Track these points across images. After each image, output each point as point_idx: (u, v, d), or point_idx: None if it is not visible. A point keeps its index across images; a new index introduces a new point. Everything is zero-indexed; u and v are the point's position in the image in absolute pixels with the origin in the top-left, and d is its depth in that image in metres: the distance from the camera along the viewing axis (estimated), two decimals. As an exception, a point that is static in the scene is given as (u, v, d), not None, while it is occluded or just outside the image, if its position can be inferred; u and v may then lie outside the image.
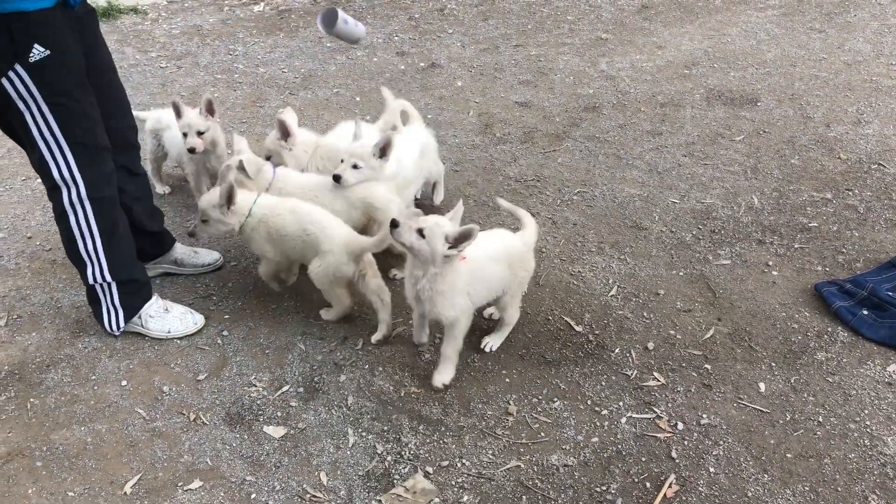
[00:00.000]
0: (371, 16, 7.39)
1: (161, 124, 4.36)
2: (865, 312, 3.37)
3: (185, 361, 3.32)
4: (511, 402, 3.04)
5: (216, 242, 4.05)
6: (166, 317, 3.46)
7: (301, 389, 3.15)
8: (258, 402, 3.10)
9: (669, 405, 3.02)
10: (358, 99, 5.63)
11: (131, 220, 3.44)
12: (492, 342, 3.34)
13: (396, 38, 6.72)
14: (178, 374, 3.25)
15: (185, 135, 3.99)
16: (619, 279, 3.72)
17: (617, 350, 3.30)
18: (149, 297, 3.46)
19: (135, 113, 3.68)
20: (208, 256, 3.90)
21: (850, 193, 4.28)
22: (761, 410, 2.97)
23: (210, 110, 4.01)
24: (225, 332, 3.46)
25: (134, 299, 3.42)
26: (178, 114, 3.96)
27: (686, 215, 4.18)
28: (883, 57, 5.93)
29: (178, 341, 3.42)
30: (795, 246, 3.90)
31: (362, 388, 3.15)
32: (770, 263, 3.78)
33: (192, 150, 3.99)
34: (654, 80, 5.72)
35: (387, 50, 6.42)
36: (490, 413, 3.00)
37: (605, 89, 5.63)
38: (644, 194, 4.37)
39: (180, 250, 3.84)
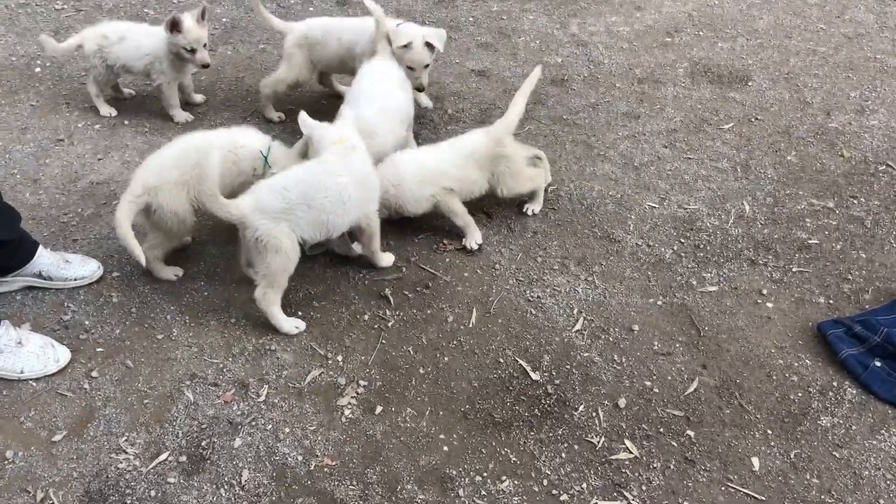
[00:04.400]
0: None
1: (109, 40, 4.03)
2: (878, 364, 2.89)
3: (39, 414, 2.70)
4: (449, 480, 2.50)
5: (96, 246, 3.38)
6: (19, 352, 2.82)
7: (183, 458, 2.56)
8: (127, 475, 2.50)
9: (644, 488, 2.51)
10: (286, 59, 4.90)
11: None
12: (533, 206, 3.66)
13: (338, -18, 5.95)
14: (29, 432, 2.64)
15: (192, 50, 3.89)
16: (585, 308, 3.18)
17: (581, 408, 2.77)
18: (-6, 327, 2.81)
19: (55, 43, 4.06)
20: (83, 267, 3.22)
21: (855, 202, 3.77)
22: (755, 497, 2.49)
23: (203, 19, 3.93)
24: (94, 373, 2.84)
25: (-27, 329, 2.77)
26: (179, 28, 3.83)
27: (666, 224, 3.63)
28: (888, 30, 5.38)
29: (34, 384, 2.79)
30: (793, 269, 3.39)
31: (262, 457, 2.57)
32: (764, 292, 3.27)
33: (205, 66, 3.97)
34: (631, 49, 5.10)
35: (325, -2, 5.66)
36: (422, 498, 2.45)
37: (576, 58, 4.99)
38: (618, 195, 3.80)
39: (46, 260, 3.15)
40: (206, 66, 3.97)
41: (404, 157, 3.43)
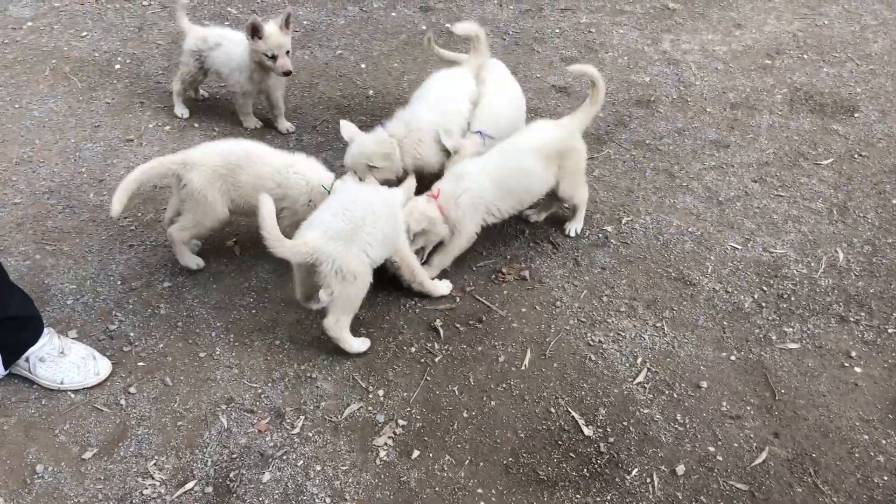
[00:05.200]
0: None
1: (208, 44, 4.07)
2: (980, 451, 2.56)
3: (74, 427, 2.68)
4: (480, 544, 2.34)
5: (151, 253, 3.36)
6: (61, 362, 2.80)
7: (209, 490, 2.49)
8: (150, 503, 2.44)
9: (696, 571, 2.28)
10: (363, 66, 4.82)
11: None
12: (575, 225, 3.53)
13: (425, -14, 5.84)
14: (61, 446, 2.62)
15: (273, 57, 3.81)
16: (650, 358, 2.95)
17: (635, 471, 2.56)
18: (38, 335, 2.80)
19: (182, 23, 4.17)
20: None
21: (969, 258, 3.41)
22: None
23: (288, 25, 3.83)
24: (132, 389, 2.80)
25: (18, 335, 2.76)
26: (259, 34, 3.75)
27: (748, 269, 3.36)
28: None
29: (72, 396, 2.77)
30: (889, 330, 3.07)
31: (289, 495, 2.47)
32: (853, 354, 2.97)
33: (287, 73, 3.87)
34: (726, 71, 4.79)
35: (409, 3, 5.55)
36: (450, 559, 2.30)
37: (666, 78, 4.72)
38: (698, 232, 3.55)
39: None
40: (287, 73, 3.87)
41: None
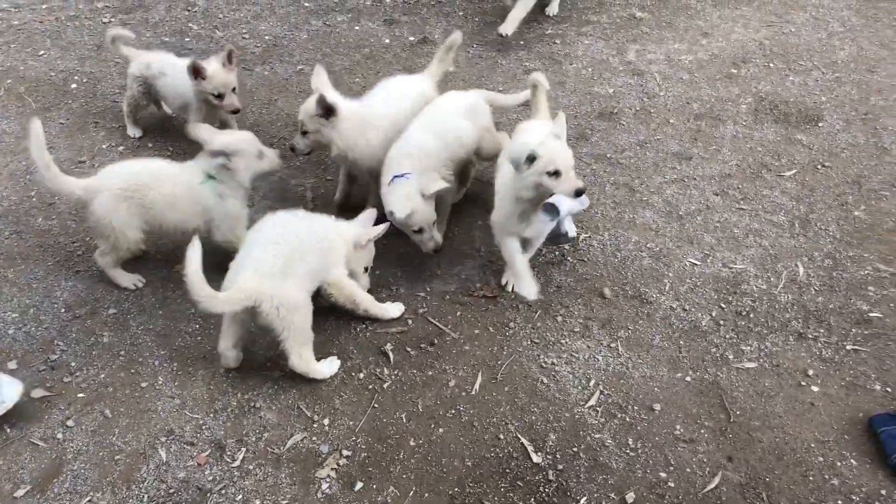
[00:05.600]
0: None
1: (152, 71, 3.97)
2: (936, 471, 2.52)
3: (7, 464, 2.62)
4: (420, 581, 2.28)
5: (98, 279, 3.29)
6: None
7: (144, 528, 2.41)
8: (81, 544, 2.37)
9: None
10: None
11: None
12: None
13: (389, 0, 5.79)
14: (-7, 483, 2.53)
15: (219, 95, 3.69)
16: (603, 380, 2.90)
17: (583, 500, 2.51)
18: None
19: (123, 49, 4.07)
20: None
21: (930, 269, 3.36)
22: None
23: (231, 61, 3.71)
24: (70, 422, 2.73)
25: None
26: (202, 74, 3.62)
27: (707, 285, 3.31)
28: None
29: (8, 430, 2.71)
30: (847, 346, 3.03)
31: (226, 533, 2.40)
32: (810, 373, 2.92)
33: (235, 111, 3.81)
34: (691, 81, 4.75)
35: (374, 16, 5.49)
36: None
37: (630, 89, 4.68)
38: (656, 248, 3.50)
39: None
40: (236, 111, 3.80)
41: None
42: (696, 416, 2.77)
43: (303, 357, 2.77)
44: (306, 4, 5.69)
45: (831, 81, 4.76)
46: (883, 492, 2.51)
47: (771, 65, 4.95)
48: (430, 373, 2.93)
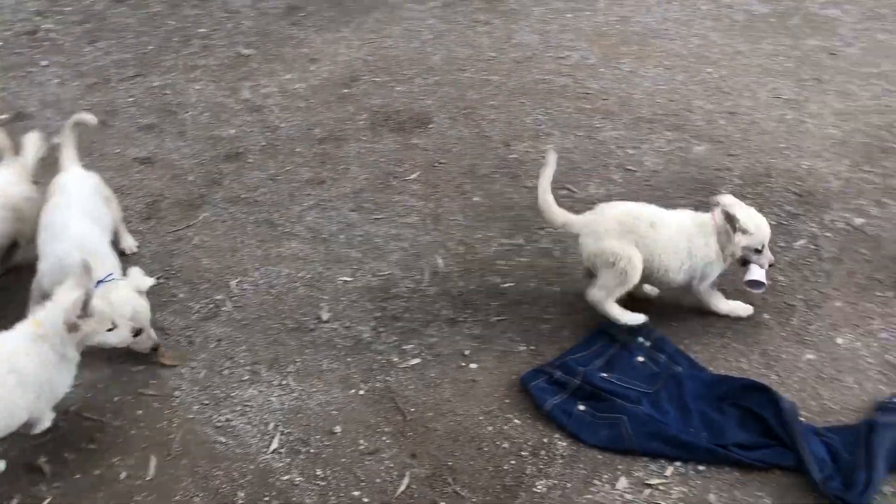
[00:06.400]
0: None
1: None
2: (582, 408, 2.88)
3: None
4: None
5: None
6: None
7: None
8: None
9: None
10: None
11: None
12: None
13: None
14: None
15: None
16: (282, 420, 2.90)
17: (283, 547, 2.47)
18: None
19: None
20: None
21: (542, 233, 3.83)
22: None
23: None
24: None
25: None
26: None
27: (362, 298, 3.45)
28: (551, 49, 5.65)
29: None
30: (492, 320, 3.34)
31: None
32: (466, 353, 3.18)
33: None
34: (308, 108, 4.92)
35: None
36: None
37: (251, 126, 4.72)
38: (308, 275, 3.58)
39: None
40: None
41: None
42: (375, 426, 2.88)
43: None
44: None
45: (432, 85, 5.22)
46: (545, 439, 2.81)
47: (378, 79, 5.29)
48: (97, 472, 2.71)
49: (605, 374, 2.99)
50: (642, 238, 3.07)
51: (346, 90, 5.15)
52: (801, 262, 3.52)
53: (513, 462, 2.74)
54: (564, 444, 2.80)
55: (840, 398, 2.89)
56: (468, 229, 3.88)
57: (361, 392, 3.02)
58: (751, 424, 2.77)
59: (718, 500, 2.56)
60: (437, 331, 3.30)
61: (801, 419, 2.77)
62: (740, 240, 3.02)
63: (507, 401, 2.98)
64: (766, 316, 3.25)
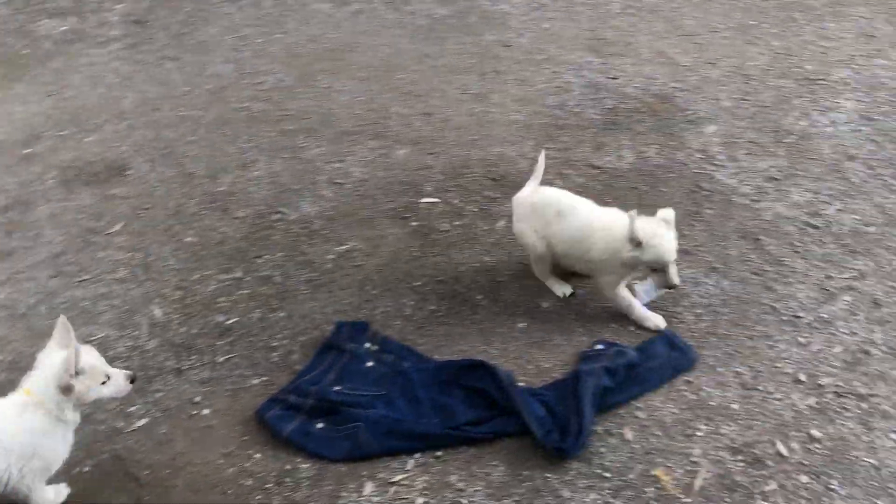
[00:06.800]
0: None
1: None
2: (320, 426, 2.90)
3: None
4: None
5: None
6: None
7: None
8: None
9: None
10: None
11: None
12: None
13: None
14: None
15: None
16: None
17: None
18: None
19: None
20: None
21: (261, 261, 3.81)
22: None
23: None
24: None
25: None
26: None
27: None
28: (247, 76, 5.62)
29: None
30: (220, 359, 3.27)
31: None
32: (197, 399, 3.09)
33: None
34: (-15, 176, 4.51)
35: None
36: None
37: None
38: (9, 358, 3.29)
39: None
40: None
41: None
42: (109, 500, 2.70)
43: None
44: None
45: (125, 129, 4.99)
46: (288, 466, 2.80)
47: (64, 132, 4.97)
48: None
49: (338, 388, 3.03)
50: (547, 224, 3.34)
51: (27, 150, 4.77)
52: (504, 241, 3.80)
53: (259, 497, 2.71)
54: (307, 465, 2.80)
55: (552, 357, 3.16)
56: (183, 272, 3.76)
57: (87, 469, 2.82)
58: (476, 400, 2.95)
59: (459, 480, 2.69)
60: (163, 384, 3.16)
61: (520, 384, 3.00)
62: (629, 250, 3.10)
63: (245, 438, 2.93)
64: (478, 297, 3.47)
